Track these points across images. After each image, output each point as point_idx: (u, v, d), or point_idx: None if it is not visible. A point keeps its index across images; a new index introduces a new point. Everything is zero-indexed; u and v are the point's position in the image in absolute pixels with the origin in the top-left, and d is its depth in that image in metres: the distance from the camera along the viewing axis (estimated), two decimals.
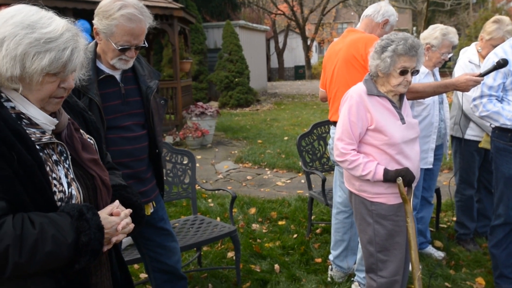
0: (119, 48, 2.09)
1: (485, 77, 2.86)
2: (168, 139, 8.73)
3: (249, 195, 5.61)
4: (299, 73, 33.25)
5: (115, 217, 1.40)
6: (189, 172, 3.67)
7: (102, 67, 2.19)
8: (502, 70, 2.82)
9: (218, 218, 4.68)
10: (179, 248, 2.58)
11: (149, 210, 2.39)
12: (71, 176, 1.38)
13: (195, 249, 3.66)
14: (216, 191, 5.49)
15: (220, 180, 6.59)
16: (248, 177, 6.67)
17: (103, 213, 1.38)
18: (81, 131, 1.51)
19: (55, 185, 1.31)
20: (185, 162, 3.67)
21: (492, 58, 2.91)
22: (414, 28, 28.68)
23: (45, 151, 1.34)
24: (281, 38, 32.91)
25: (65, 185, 1.34)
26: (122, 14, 2.05)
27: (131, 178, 2.25)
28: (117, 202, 1.47)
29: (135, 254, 2.93)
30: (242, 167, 7.29)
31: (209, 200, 5.37)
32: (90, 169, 1.44)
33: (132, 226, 1.45)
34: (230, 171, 7.05)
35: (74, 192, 1.36)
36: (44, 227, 1.21)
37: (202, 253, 3.76)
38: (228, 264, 3.72)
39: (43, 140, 1.33)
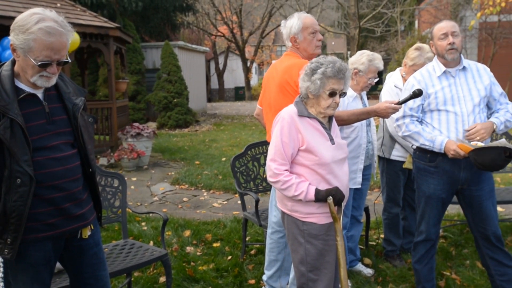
0: (39, 63, 1.98)
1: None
2: (102, 160, 8.42)
3: (185, 217, 5.50)
4: (239, 94, 33.56)
5: None
6: (119, 195, 3.55)
7: (22, 85, 2.06)
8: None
9: (152, 242, 4.54)
10: (108, 276, 2.47)
11: (87, 233, 2.26)
12: None
13: (125, 275, 3.51)
14: (150, 214, 5.34)
15: (156, 202, 6.43)
16: (184, 199, 6.57)
17: None
18: None
19: None
20: (115, 185, 3.55)
21: (412, 81, 3.09)
22: (349, 52, 29.98)
23: None
24: (221, 60, 33.15)
25: None
26: (40, 28, 1.94)
27: (66, 200, 2.12)
28: None
29: (61, 281, 2.78)
30: (179, 189, 7.17)
31: (143, 224, 5.21)
32: None
33: None
34: (166, 193, 6.91)
35: None
36: None
37: (133, 278, 3.63)
38: None
39: None
